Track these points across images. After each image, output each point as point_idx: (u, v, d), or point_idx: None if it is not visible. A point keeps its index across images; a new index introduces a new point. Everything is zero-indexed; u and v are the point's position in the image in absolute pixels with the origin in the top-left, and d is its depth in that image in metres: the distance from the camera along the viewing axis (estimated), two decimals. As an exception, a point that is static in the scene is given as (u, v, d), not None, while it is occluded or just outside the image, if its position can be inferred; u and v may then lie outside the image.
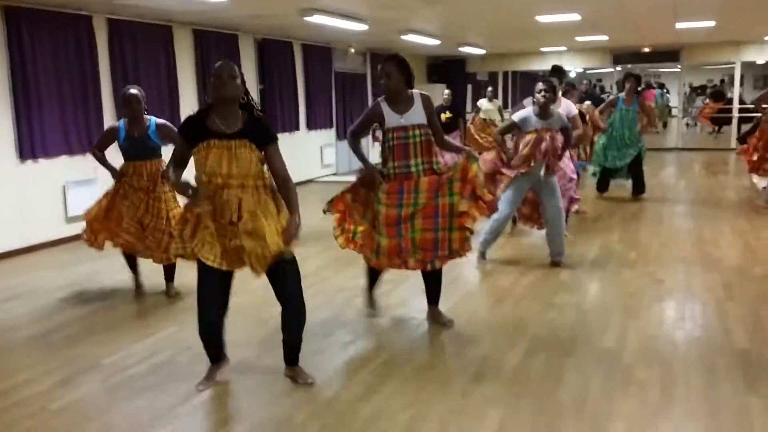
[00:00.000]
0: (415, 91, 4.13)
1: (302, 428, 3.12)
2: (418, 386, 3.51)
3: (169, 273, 5.25)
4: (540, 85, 5.40)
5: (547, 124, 5.47)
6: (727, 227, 7.23)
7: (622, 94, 8.85)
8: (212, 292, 3.42)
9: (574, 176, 6.88)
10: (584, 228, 7.37)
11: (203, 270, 3.37)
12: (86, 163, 7.63)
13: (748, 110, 18.54)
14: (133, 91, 4.98)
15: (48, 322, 4.74)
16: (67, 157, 7.44)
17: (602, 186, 9.29)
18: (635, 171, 9.07)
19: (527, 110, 5.60)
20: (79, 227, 7.44)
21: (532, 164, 5.49)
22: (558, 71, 7.30)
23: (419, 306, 4.82)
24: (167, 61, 8.69)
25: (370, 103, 14.14)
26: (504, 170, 5.65)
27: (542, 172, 5.53)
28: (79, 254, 6.85)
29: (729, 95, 19.85)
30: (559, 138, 5.57)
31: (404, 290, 5.05)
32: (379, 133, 4.26)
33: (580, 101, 10.55)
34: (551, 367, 3.73)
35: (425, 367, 3.78)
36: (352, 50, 13.34)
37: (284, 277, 3.42)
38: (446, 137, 4.36)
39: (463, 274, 5.70)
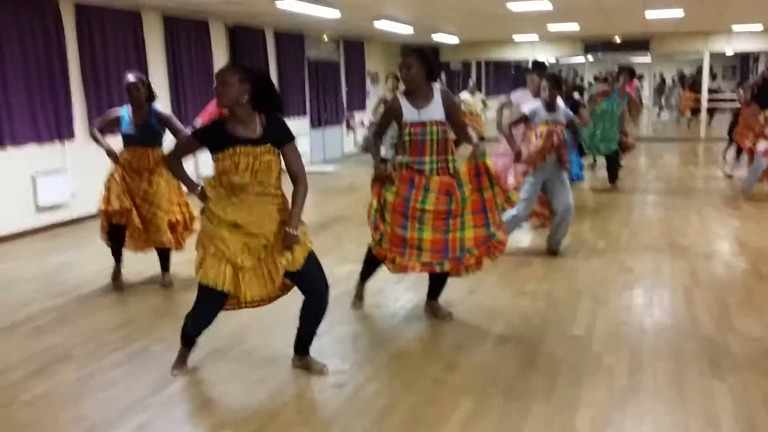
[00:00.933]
0: (436, 86, 4.02)
1: (276, 416, 3.14)
2: (392, 374, 3.56)
3: (165, 262, 5.23)
4: (544, 83, 5.52)
5: (555, 117, 5.56)
6: (695, 216, 7.38)
7: (618, 86, 8.96)
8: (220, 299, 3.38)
9: None
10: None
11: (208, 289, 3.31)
12: (56, 152, 7.55)
13: (719, 100, 18.95)
14: (132, 79, 4.91)
15: (18, 313, 4.69)
16: (35, 145, 7.30)
17: (613, 176, 9.33)
18: (611, 161, 9.21)
19: (536, 103, 5.67)
20: (49, 217, 7.42)
21: (548, 157, 5.54)
22: (539, 66, 7.36)
23: (394, 295, 4.88)
24: (137, 48, 8.57)
25: (343, 91, 14.13)
26: (518, 166, 5.76)
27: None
28: (50, 245, 6.78)
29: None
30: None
31: (379, 279, 5.05)
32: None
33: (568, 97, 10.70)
34: (522, 354, 3.80)
35: (399, 355, 3.82)
36: (326, 38, 13.27)
37: (308, 274, 3.38)
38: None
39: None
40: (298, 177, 3.36)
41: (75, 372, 3.66)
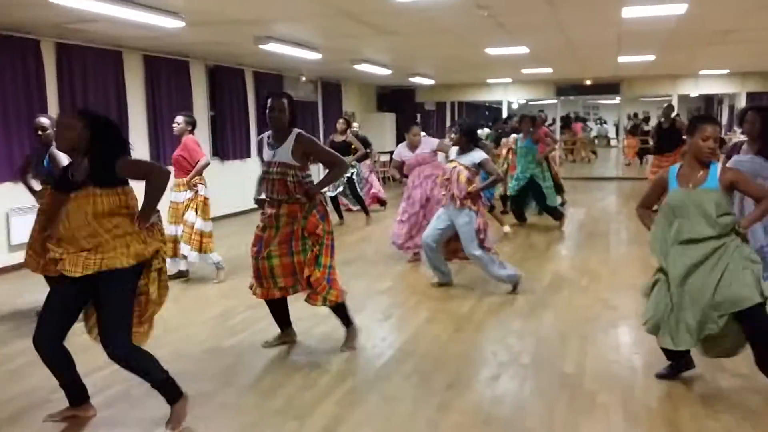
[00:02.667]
0: (294, 130, 4.21)
1: (269, 462, 3.04)
2: (385, 417, 3.49)
3: None
4: (453, 128, 6.18)
5: (460, 158, 5.86)
6: (672, 254, 7.46)
7: (520, 136, 9.54)
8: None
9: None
10: (536, 256, 7.50)
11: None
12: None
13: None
14: (42, 119, 5.22)
15: (-8, 354, 4.52)
16: (11, 183, 7.15)
17: (517, 215, 9.65)
18: (539, 201, 9.43)
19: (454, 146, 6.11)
20: (22, 256, 7.21)
21: (443, 193, 5.89)
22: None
23: (380, 334, 4.81)
24: (117, 87, 8.54)
25: (321, 130, 14.21)
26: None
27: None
28: (23, 284, 6.59)
29: (643, 128, 20.84)
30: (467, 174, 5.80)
31: (363, 318, 5.01)
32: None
33: (506, 135, 11.24)
34: (515, 394, 3.76)
35: (390, 396, 3.75)
36: (303, 78, 13.38)
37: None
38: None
39: (420, 300, 5.71)
40: (145, 176, 3.30)
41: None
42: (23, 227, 7.19)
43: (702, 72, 15.17)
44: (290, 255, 4.18)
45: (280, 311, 4.56)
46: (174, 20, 6.52)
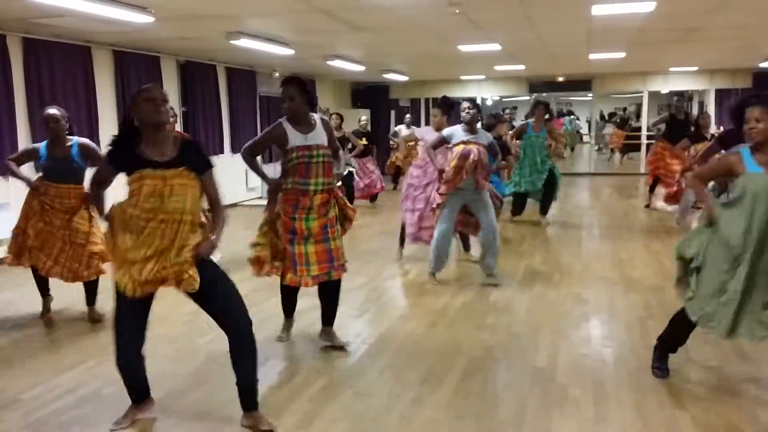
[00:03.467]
0: (315, 115, 4.18)
1: (242, 459, 3.03)
2: (359, 412, 3.49)
3: (91, 296, 5.11)
4: (465, 104, 5.72)
5: (474, 138, 5.69)
6: (642, 248, 7.58)
7: (531, 121, 9.16)
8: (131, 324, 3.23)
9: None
10: (509, 250, 7.55)
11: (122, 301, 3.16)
12: (5, 184, 7.27)
13: (653, 137, 19.70)
14: (51, 111, 4.89)
15: (-40, 356, 4.44)
16: (-17, 178, 7.04)
17: (517, 210, 9.53)
18: (545, 194, 9.27)
19: (455, 126, 5.87)
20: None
21: (464, 177, 5.62)
22: (445, 103, 7.28)
23: (354, 330, 4.82)
24: (86, 82, 8.41)
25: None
26: (440, 191, 5.81)
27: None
28: (4, 279, 6.47)
29: (632, 123, 21.06)
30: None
31: (339, 314, 4.98)
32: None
33: (489, 130, 10.97)
34: (488, 387, 3.79)
35: (364, 392, 3.75)
36: (277, 74, 13.30)
37: (222, 297, 3.20)
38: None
39: (395, 296, 5.73)
40: (215, 203, 3.30)
41: (23, 419, 3.46)
42: (2, 222, 7.10)
43: (671, 69, 15.40)
44: (326, 242, 4.14)
45: (293, 300, 4.54)
46: (143, 15, 6.44)
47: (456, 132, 5.79)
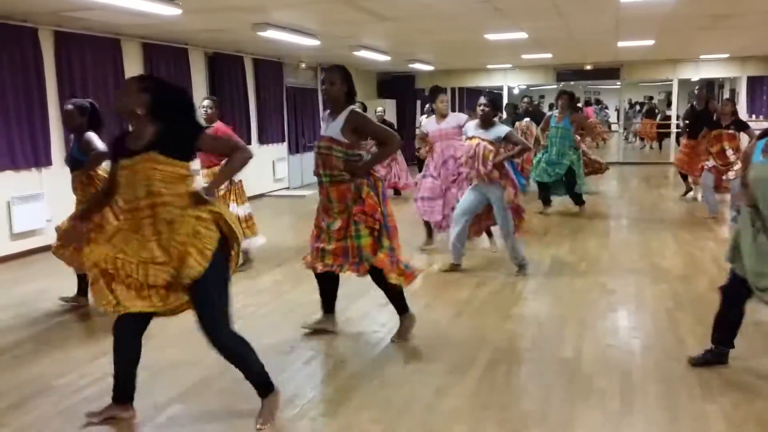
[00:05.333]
0: (349, 106, 4.09)
1: (269, 446, 3.08)
2: (384, 401, 3.52)
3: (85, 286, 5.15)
4: (481, 99, 5.77)
5: (483, 134, 5.74)
6: (671, 238, 7.49)
7: (556, 112, 9.04)
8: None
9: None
10: (536, 241, 7.52)
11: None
12: (32, 178, 7.44)
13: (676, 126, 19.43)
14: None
15: (-5, 343, 4.56)
16: (12, 172, 7.20)
17: (545, 200, 9.43)
18: (568, 186, 9.17)
19: (474, 121, 5.98)
20: (24, 244, 7.28)
21: (470, 170, 5.77)
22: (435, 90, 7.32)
23: (380, 320, 4.84)
24: (115, 75, 8.51)
25: (321, 117, 14.17)
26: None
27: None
28: (25, 272, 6.64)
29: (659, 112, 20.75)
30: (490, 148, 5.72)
31: (365, 303, 5.05)
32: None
33: (518, 119, 10.92)
34: (513, 378, 3.80)
35: (389, 381, 3.78)
36: (303, 65, 13.34)
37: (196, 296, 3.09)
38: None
39: (420, 286, 5.74)
40: (230, 151, 3.18)
41: (56, 405, 3.55)
42: (25, 216, 7.27)
43: (702, 56, 15.12)
44: (344, 239, 4.11)
45: (328, 293, 4.50)
46: (171, 7, 6.50)
47: (469, 127, 5.95)
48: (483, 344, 4.31)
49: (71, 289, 5.38)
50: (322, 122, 4.12)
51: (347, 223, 4.08)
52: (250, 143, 11.58)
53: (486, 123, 5.75)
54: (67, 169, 5.09)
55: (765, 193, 3.45)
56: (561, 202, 9.66)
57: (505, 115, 12.07)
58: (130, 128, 3.14)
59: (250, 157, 3.18)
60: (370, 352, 4.27)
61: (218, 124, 6.06)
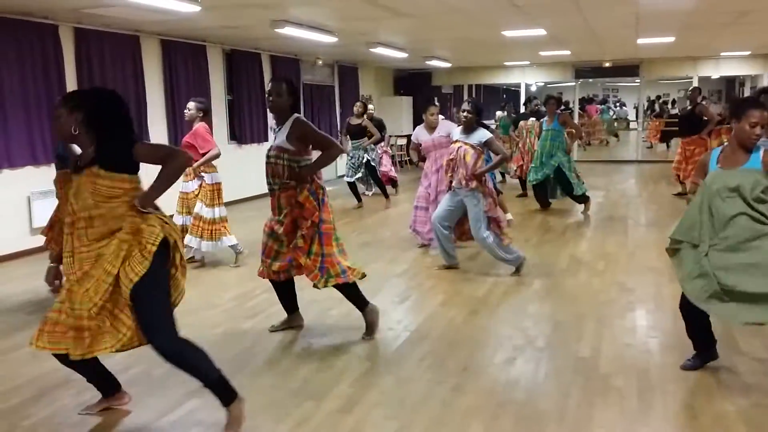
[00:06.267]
0: (294, 115, 4.21)
1: (285, 441, 3.09)
2: (400, 398, 3.52)
3: None
4: (463, 105, 5.93)
5: (465, 138, 5.80)
6: (690, 238, 7.39)
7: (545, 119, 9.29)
8: None
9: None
10: (553, 239, 7.48)
11: None
12: (52, 173, 7.49)
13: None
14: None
15: (14, 336, 4.62)
16: (32, 167, 7.29)
17: (540, 202, 9.51)
18: (563, 188, 9.20)
19: (458, 127, 6.10)
20: (43, 239, 7.34)
21: (449, 173, 5.82)
22: (427, 101, 7.54)
23: (396, 317, 4.84)
24: (135, 71, 8.59)
25: (338, 114, 14.20)
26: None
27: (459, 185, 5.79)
28: (44, 266, 6.66)
29: (665, 112, 20.59)
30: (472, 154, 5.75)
31: (379, 301, 5.03)
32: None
33: (524, 118, 11.01)
34: (530, 376, 3.77)
35: (405, 378, 3.78)
36: (320, 62, 13.36)
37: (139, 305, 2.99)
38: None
39: (436, 284, 5.73)
40: (163, 159, 3.02)
41: (75, 397, 3.58)
42: (44, 210, 7.32)
43: (723, 53, 14.93)
44: (294, 243, 4.19)
45: (286, 295, 4.58)
46: (189, 4, 6.53)
47: (454, 132, 6.08)
48: (500, 342, 4.29)
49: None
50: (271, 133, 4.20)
51: (292, 226, 4.18)
52: (266, 140, 11.63)
53: (468, 128, 5.82)
54: None
55: (715, 199, 3.44)
56: (571, 203, 9.58)
57: (523, 110, 12.09)
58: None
59: (184, 163, 3.13)
60: (386, 349, 4.27)
61: (198, 126, 6.17)
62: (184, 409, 3.43)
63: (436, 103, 7.72)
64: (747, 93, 19.78)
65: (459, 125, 6.04)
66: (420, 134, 7.00)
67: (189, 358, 3.08)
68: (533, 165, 9.30)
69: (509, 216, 8.46)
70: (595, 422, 3.18)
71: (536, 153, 9.31)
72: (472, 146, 5.74)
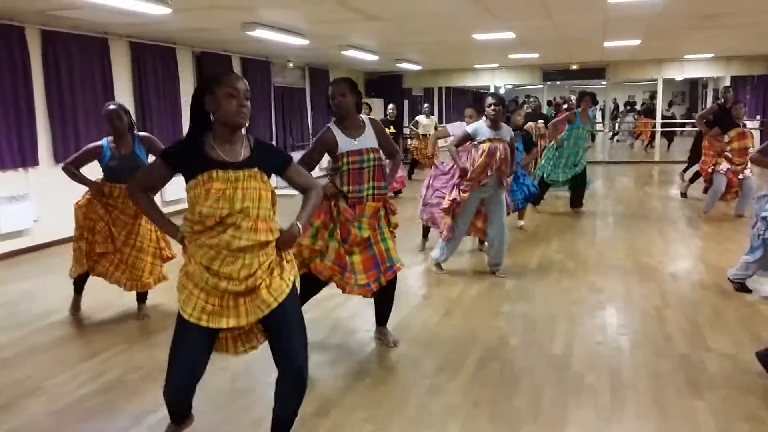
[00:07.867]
0: (364, 116, 4.00)
1: (263, 445, 3.08)
2: (376, 399, 3.53)
3: (143, 294, 5.03)
4: (489, 99, 5.59)
5: (498, 135, 5.62)
6: (657, 237, 7.56)
7: (579, 111, 9.04)
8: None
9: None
10: (524, 239, 7.56)
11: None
12: (19, 178, 7.38)
13: (670, 125, 19.68)
14: (112, 107, 4.64)
15: (-18, 344, 4.53)
16: (-1, 171, 7.15)
17: (538, 200, 9.46)
18: (577, 186, 9.27)
19: (479, 122, 5.74)
20: (10, 244, 7.22)
21: (489, 173, 5.60)
22: (479, 100, 7.25)
23: (371, 319, 4.84)
24: (103, 74, 8.47)
25: (309, 116, 14.17)
26: (462, 187, 5.72)
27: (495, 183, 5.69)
28: (11, 272, 6.59)
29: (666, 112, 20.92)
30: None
31: (356, 302, 5.05)
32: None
33: (528, 119, 10.88)
34: (504, 375, 3.82)
35: (381, 380, 3.80)
36: (291, 65, 13.33)
37: (284, 327, 2.72)
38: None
39: (411, 285, 5.76)
40: (307, 188, 2.95)
41: (47, 406, 3.54)
42: (11, 216, 7.22)
43: (687, 56, 15.26)
44: (369, 248, 3.99)
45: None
46: (160, 7, 6.46)
47: (480, 128, 5.63)
48: (474, 342, 4.34)
49: (58, 289, 5.34)
50: (338, 137, 3.84)
51: (375, 229, 4.02)
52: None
53: (497, 123, 5.61)
54: (54, 170, 4.99)
55: None
56: (549, 202, 9.72)
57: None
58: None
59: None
60: (361, 352, 4.28)
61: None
62: (161, 414, 3.39)
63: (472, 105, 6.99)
64: (710, 94, 20.24)
65: (486, 120, 5.64)
66: (458, 129, 6.42)
67: None
68: (558, 165, 9.01)
69: (521, 222, 8.27)
70: (570, 419, 3.24)
71: (562, 151, 8.98)
72: (507, 143, 5.66)
